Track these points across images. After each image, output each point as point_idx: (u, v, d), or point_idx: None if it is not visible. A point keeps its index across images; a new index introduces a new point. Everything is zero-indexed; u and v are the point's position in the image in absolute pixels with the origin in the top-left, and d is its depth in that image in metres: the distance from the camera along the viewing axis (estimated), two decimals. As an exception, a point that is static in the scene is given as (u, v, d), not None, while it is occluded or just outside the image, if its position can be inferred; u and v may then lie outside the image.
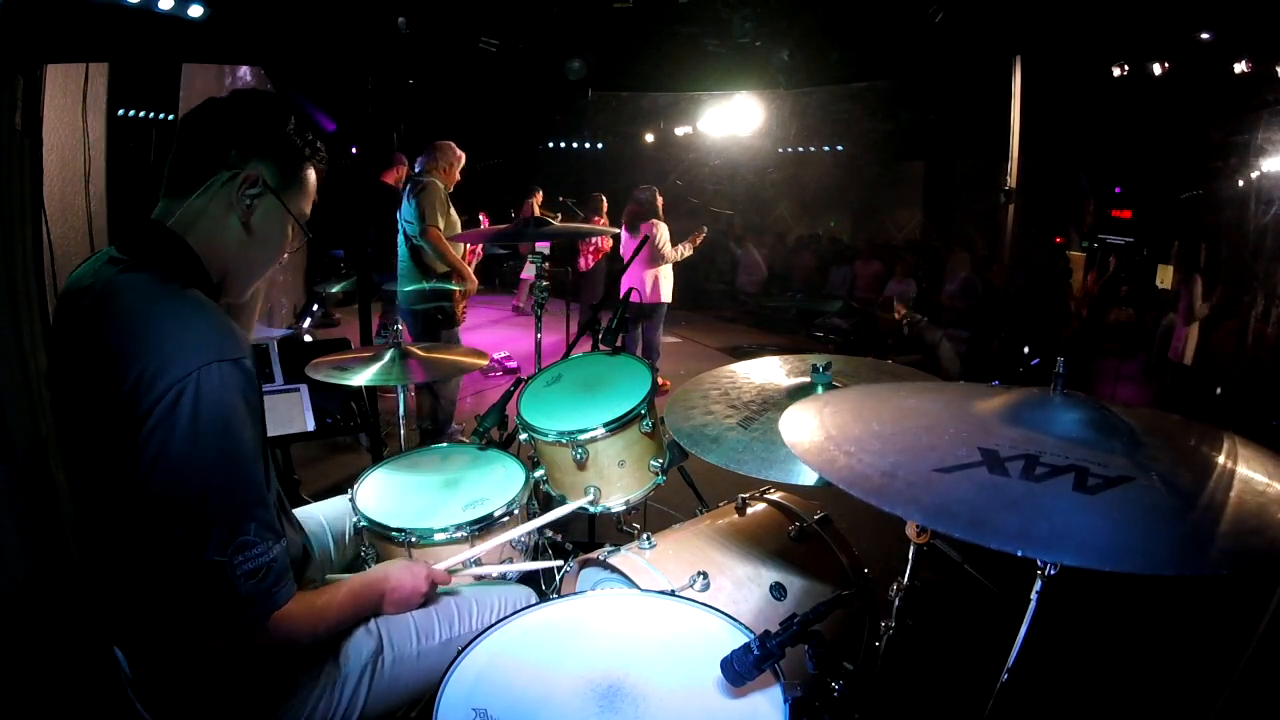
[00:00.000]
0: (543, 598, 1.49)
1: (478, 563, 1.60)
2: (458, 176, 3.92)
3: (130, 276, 1.08)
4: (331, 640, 1.22)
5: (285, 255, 1.24)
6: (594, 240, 6.52)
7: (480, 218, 7.10)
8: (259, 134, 1.14)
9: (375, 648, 1.26)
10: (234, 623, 1.01)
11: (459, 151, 3.90)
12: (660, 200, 5.45)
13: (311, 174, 1.21)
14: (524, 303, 8.72)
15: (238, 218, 1.14)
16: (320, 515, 1.70)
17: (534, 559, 1.83)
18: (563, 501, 1.87)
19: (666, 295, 5.47)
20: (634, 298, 5.19)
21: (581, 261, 6.75)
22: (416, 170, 3.87)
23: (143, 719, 1.09)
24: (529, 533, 1.76)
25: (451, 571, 1.47)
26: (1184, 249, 4.86)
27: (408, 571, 1.33)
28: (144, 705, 1.10)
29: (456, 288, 3.74)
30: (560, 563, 1.69)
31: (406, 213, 3.74)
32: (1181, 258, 4.86)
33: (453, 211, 3.83)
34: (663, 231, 5.32)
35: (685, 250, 5.38)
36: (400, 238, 3.85)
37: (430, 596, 1.36)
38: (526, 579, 1.76)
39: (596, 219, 6.90)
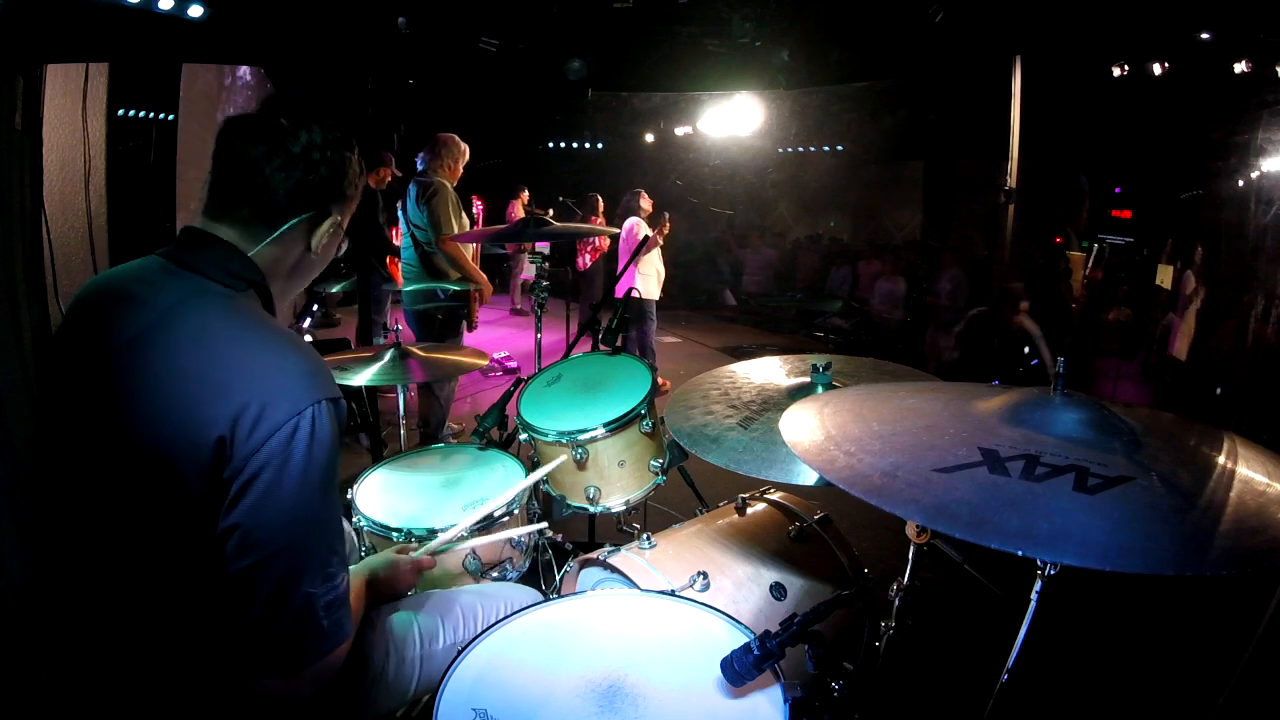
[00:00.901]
0: (543, 597, 1.49)
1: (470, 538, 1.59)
2: (461, 171, 3.83)
3: (202, 291, 1.02)
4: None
5: None
6: (592, 240, 6.53)
7: (473, 200, 7.07)
8: (344, 181, 1.11)
9: (384, 652, 1.26)
10: (318, 656, 1.00)
11: (463, 145, 3.79)
12: (644, 201, 5.51)
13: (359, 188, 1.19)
14: (520, 303, 8.73)
15: (310, 254, 1.13)
16: None
17: (533, 558, 1.83)
18: (563, 501, 1.88)
19: (648, 293, 5.47)
20: (635, 295, 5.21)
21: (579, 261, 6.77)
22: (419, 168, 3.78)
23: None
24: (529, 532, 1.76)
25: (435, 553, 1.47)
26: (1178, 245, 4.86)
27: (392, 569, 1.34)
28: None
29: (471, 287, 3.69)
30: (544, 525, 1.68)
31: (416, 218, 3.65)
32: (1177, 256, 4.85)
33: (464, 214, 3.78)
34: (640, 229, 5.37)
35: (653, 243, 5.37)
36: (407, 240, 3.80)
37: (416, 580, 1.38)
38: (527, 578, 1.76)
39: (594, 219, 6.91)
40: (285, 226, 1.07)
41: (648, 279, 5.45)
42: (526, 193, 8.06)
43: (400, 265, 3.99)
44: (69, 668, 1.10)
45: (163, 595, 1.01)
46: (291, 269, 1.13)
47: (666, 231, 5.46)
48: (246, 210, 1.06)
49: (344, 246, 1.22)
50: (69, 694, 1.11)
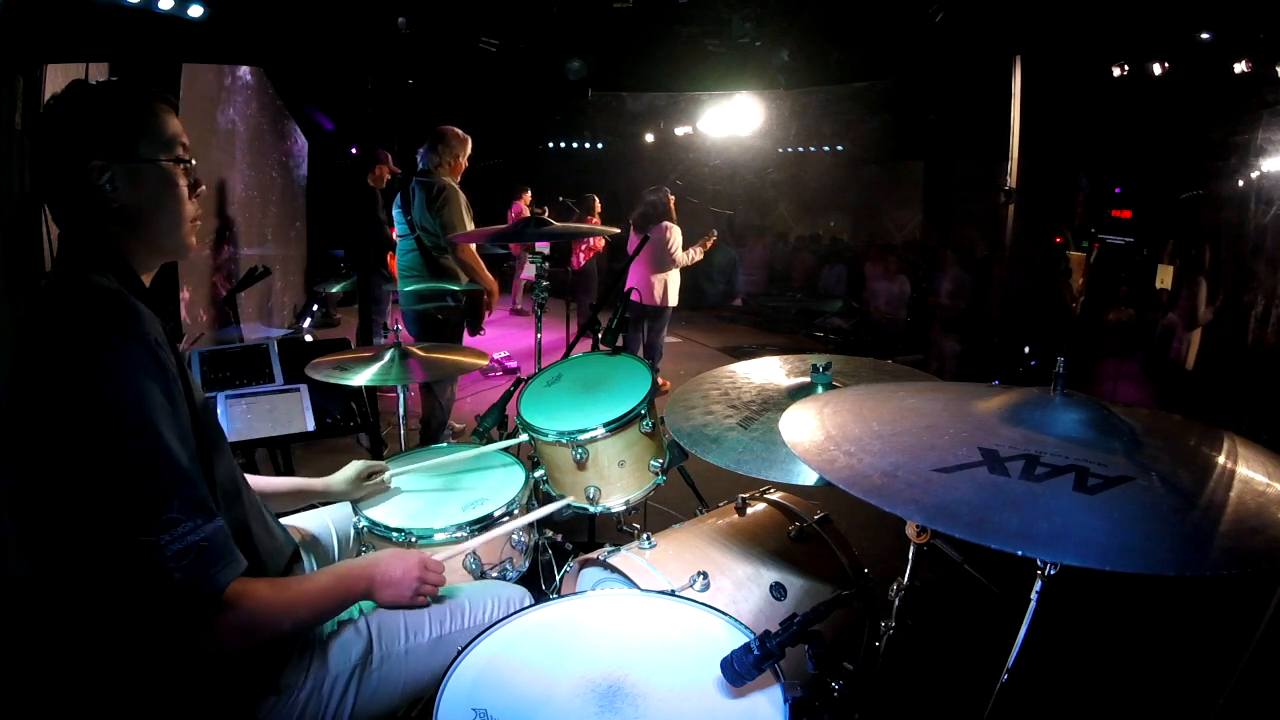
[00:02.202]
0: (543, 598, 1.49)
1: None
2: (465, 164, 3.75)
3: (45, 283, 1.10)
4: (319, 641, 1.22)
5: (197, 192, 1.20)
6: (585, 239, 6.54)
7: None
8: (75, 133, 1.10)
9: (364, 649, 1.25)
10: (180, 611, 0.99)
11: (463, 135, 3.71)
12: (671, 200, 5.35)
13: (155, 113, 1.15)
14: (521, 303, 8.73)
15: (113, 206, 1.11)
16: (328, 517, 1.70)
17: (533, 558, 1.83)
18: (561, 500, 1.88)
19: (674, 299, 5.42)
20: (635, 298, 5.18)
21: (574, 260, 6.79)
22: (420, 165, 3.71)
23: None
24: (527, 530, 1.77)
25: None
26: (1182, 248, 4.86)
27: (398, 559, 1.31)
28: (118, 709, 1.09)
29: (475, 288, 3.66)
30: (565, 502, 1.72)
31: (426, 221, 3.60)
32: (1177, 256, 4.85)
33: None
34: (675, 235, 5.22)
35: (696, 254, 5.32)
36: (408, 240, 3.73)
37: (426, 590, 1.33)
38: (527, 578, 1.76)
39: (590, 219, 6.91)
40: (65, 190, 1.11)
41: (674, 285, 5.39)
42: (529, 193, 8.04)
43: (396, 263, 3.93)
44: (63, 655, 1.11)
45: (66, 557, 1.05)
46: (120, 227, 1.13)
47: (710, 245, 5.40)
48: (46, 191, 1.13)
49: (194, 172, 1.19)
50: (67, 683, 1.11)
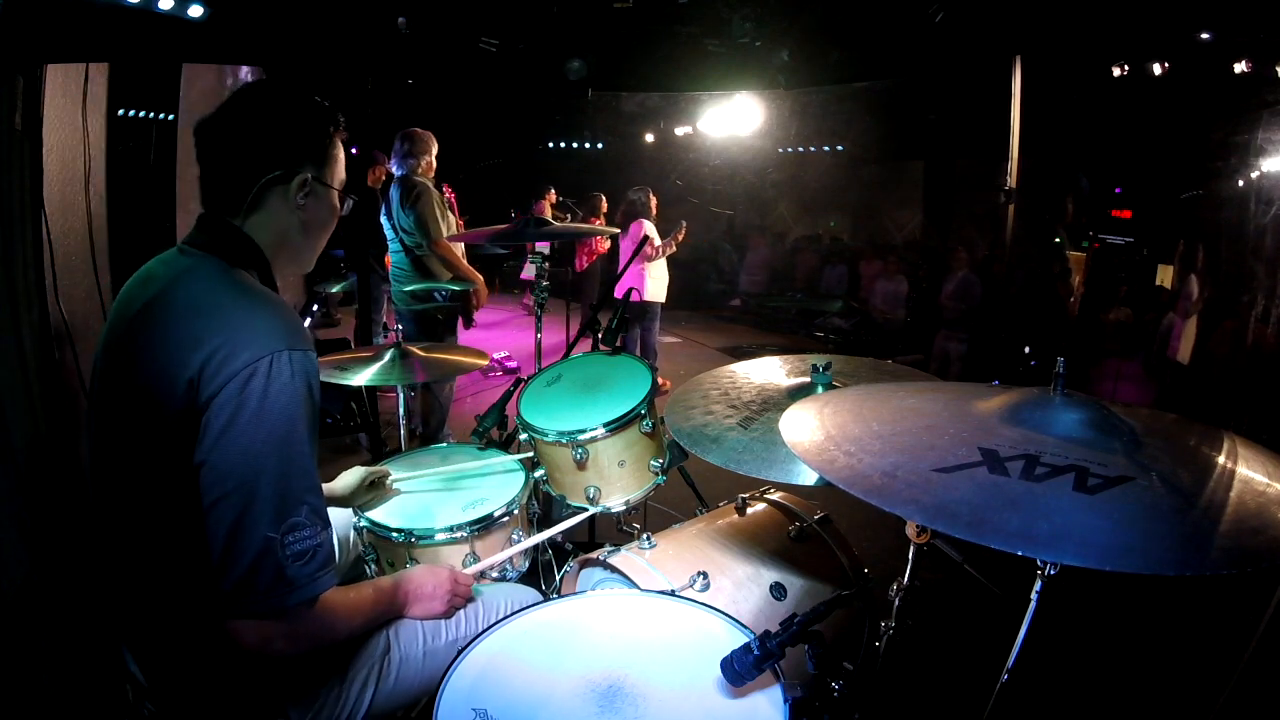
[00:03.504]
0: (543, 597, 1.49)
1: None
2: (434, 163, 3.78)
3: (201, 264, 1.13)
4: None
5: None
6: (589, 242, 6.53)
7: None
8: (297, 139, 1.18)
9: (384, 648, 1.26)
10: (279, 604, 1.02)
11: (426, 133, 3.72)
12: (653, 200, 5.46)
13: (340, 143, 1.25)
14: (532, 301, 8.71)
15: (297, 217, 1.19)
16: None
17: (533, 558, 1.83)
18: (563, 501, 1.88)
19: (655, 295, 5.46)
20: (634, 298, 5.20)
21: (577, 262, 6.77)
22: (395, 171, 3.72)
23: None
24: (527, 530, 1.77)
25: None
26: (1186, 248, 4.86)
27: (430, 573, 1.35)
28: (155, 704, 1.10)
29: (465, 287, 3.67)
30: (589, 512, 1.75)
31: (403, 220, 3.62)
32: (1182, 257, 4.86)
33: (449, 211, 3.76)
34: (647, 230, 5.34)
35: (668, 248, 5.39)
36: (396, 244, 3.76)
37: (457, 603, 1.36)
38: (527, 578, 1.76)
39: (594, 219, 6.90)
40: (254, 190, 1.15)
41: (657, 281, 5.44)
42: (554, 193, 8.01)
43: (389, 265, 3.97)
44: (67, 656, 1.12)
45: (163, 538, 1.08)
46: (285, 235, 1.20)
47: (680, 238, 5.44)
48: (220, 185, 1.17)
49: (348, 205, 1.29)
50: (68, 686, 1.12)
